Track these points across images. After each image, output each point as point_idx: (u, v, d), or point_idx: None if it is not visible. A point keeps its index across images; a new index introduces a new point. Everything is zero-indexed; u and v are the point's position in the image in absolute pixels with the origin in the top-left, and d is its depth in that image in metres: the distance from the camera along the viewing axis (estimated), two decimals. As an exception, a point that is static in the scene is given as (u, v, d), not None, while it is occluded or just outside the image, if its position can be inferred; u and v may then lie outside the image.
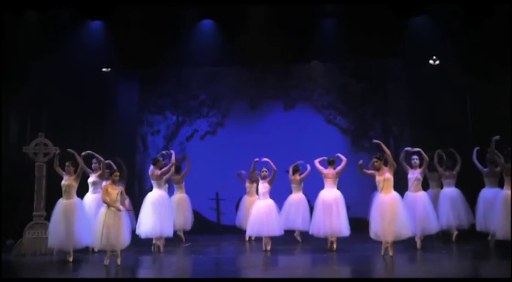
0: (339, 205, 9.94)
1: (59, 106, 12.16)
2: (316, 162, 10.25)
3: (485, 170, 10.17)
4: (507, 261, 8.18)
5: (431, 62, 12.73)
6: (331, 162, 10.15)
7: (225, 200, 13.68)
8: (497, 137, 9.61)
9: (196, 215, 13.21)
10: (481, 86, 11.64)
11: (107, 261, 8.55)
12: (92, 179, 10.20)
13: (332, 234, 9.89)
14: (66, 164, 9.42)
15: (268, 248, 10.03)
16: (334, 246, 9.88)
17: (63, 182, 9.35)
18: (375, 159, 9.22)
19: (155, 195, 10.04)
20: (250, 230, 10.18)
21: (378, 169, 9.15)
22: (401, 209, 9.03)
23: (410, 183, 9.98)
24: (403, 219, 8.96)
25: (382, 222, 8.92)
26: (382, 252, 9.07)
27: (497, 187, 10.05)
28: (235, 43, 12.83)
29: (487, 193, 10.12)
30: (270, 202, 10.12)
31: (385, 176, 9.07)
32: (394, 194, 9.17)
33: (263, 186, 10.15)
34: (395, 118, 13.70)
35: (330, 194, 10.02)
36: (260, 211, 10.00)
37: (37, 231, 9.91)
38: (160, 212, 9.89)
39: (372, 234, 9.16)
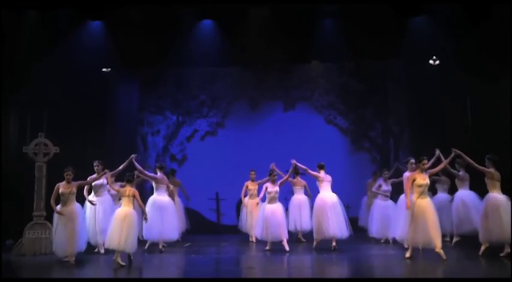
0: (339, 207, 9.97)
1: (59, 106, 12.14)
2: (309, 170, 10.20)
3: (460, 173, 10.02)
4: (507, 261, 8.19)
5: (431, 62, 12.73)
6: (322, 166, 10.18)
7: (225, 200, 13.69)
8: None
9: (197, 215, 13.24)
10: (481, 86, 11.63)
11: (116, 260, 8.58)
12: (94, 182, 10.00)
13: (334, 236, 9.86)
14: (67, 172, 9.11)
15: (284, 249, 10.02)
16: (334, 244, 9.87)
17: (63, 190, 9.02)
18: (425, 161, 8.84)
19: (163, 199, 10.14)
20: (265, 235, 10.03)
21: (422, 171, 8.80)
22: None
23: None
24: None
25: (425, 227, 8.57)
26: (409, 255, 8.81)
27: (468, 189, 10.05)
28: (235, 43, 12.83)
29: (463, 195, 9.98)
30: (280, 206, 10.18)
31: (428, 180, 8.80)
32: (429, 199, 8.99)
33: (274, 191, 10.12)
34: (396, 118, 13.72)
35: (329, 196, 10.04)
36: (276, 216, 9.97)
37: (37, 231, 9.92)
38: (166, 216, 10.02)
39: (408, 240, 8.75)
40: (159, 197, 10.12)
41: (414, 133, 13.11)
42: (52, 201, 9.09)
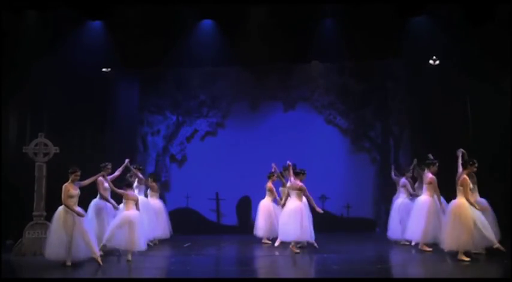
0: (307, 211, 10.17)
1: (59, 106, 12.15)
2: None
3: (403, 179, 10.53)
4: (507, 261, 8.20)
5: (431, 62, 12.71)
6: (298, 174, 10.21)
7: (225, 200, 13.68)
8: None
9: (197, 215, 13.24)
10: (481, 86, 11.63)
11: (129, 256, 8.99)
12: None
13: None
14: (75, 173, 8.84)
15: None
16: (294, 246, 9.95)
17: (73, 192, 8.74)
18: (476, 164, 8.77)
19: (142, 200, 10.31)
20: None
21: (469, 172, 8.76)
22: None
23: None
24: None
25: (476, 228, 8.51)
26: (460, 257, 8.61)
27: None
28: (235, 43, 12.80)
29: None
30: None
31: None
32: None
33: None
34: (395, 118, 13.69)
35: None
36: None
37: (37, 231, 9.91)
38: (148, 214, 10.46)
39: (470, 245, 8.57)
40: (152, 200, 10.86)
41: (414, 133, 13.09)
42: (69, 203, 8.72)
